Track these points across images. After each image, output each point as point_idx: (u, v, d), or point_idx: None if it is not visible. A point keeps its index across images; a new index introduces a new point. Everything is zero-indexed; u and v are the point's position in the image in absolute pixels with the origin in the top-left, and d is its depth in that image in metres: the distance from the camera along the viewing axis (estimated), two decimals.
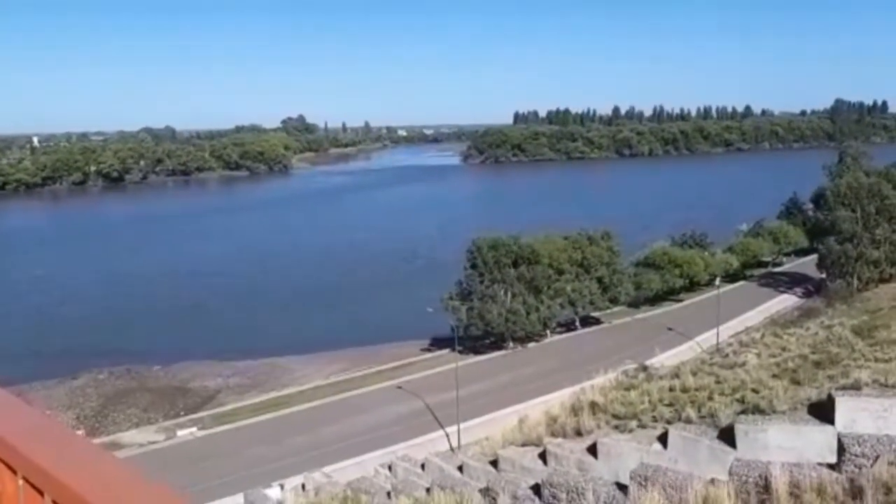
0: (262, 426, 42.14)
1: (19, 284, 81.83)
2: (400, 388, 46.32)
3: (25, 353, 55.02)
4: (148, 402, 48.80)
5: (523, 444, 22.76)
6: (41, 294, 76.92)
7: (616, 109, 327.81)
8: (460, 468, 21.66)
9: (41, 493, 1.60)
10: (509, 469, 19.87)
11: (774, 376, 23.49)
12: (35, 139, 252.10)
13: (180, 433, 41.39)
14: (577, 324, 59.63)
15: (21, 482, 1.68)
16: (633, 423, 20.66)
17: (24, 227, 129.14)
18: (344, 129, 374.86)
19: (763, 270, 75.75)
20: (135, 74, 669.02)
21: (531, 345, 55.60)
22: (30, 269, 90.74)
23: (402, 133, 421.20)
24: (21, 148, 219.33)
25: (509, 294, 55.63)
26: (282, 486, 29.17)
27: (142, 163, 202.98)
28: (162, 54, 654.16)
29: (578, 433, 21.86)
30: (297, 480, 29.88)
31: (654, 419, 20.78)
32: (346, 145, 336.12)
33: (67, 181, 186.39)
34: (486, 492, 16.30)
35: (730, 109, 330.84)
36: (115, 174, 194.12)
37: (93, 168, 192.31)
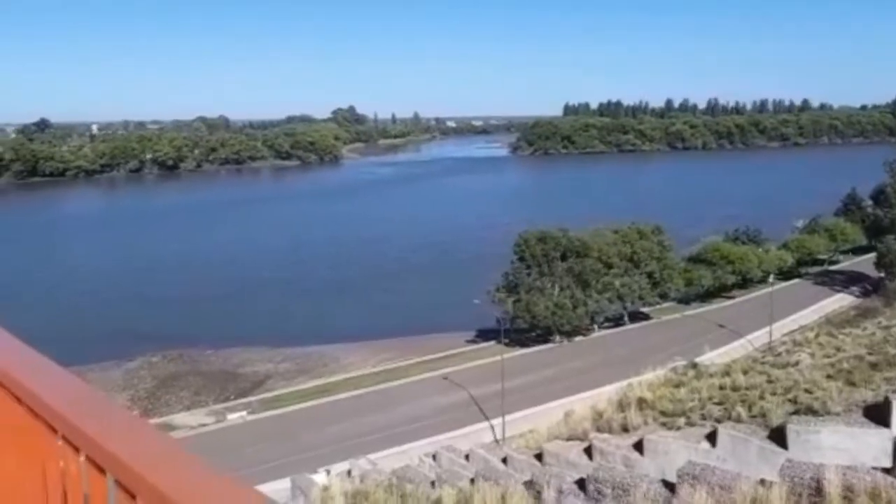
0: (309, 412, 42.79)
1: (79, 268, 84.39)
2: (445, 378, 46.51)
3: (83, 335, 56.74)
4: (199, 386, 49.93)
5: (568, 439, 22.63)
6: (99, 278, 79.18)
7: (669, 102, 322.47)
8: (504, 460, 21.63)
9: (103, 472, 1.65)
10: (554, 463, 19.78)
11: (829, 377, 22.90)
12: (94, 127, 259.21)
13: (230, 417, 42.28)
14: (626, 319, 59.01)
15: (83, 461, 1.74)
16: (682, 421, 20.37)
17: (84, 213, 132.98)
18: (393, 120, 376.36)
19: (819, 268, 73.80)
20: (190, 64, 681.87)
21: (578, 339, 55.24)
22: (89, 253, 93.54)
23: (451, 124, 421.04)
24: (81, 136, 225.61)
25: (557, 287, 55.30)
26: (328, 472, 29.54)
27: (196, 151, 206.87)
28: (217, 45, 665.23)
29: (625, 429, 21.63)
30: (342, 466, 30.24)
31: (703, 417, 20.44)
32: (395, 136, 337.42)
33: (124, 168, 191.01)
34: (530, 485, 16.26)
35: (787, 103, 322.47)
36: (170, 162, 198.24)
37: (149, 156, 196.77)
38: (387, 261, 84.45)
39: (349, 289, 72.65)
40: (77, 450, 1.81)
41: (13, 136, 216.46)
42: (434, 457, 27.52)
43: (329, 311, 65.21)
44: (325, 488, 21.42)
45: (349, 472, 28.42)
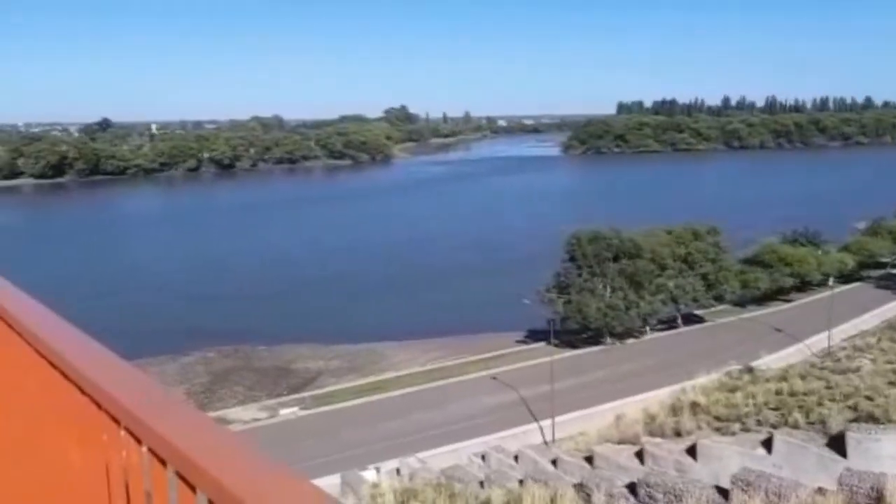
0: (360, 409, 43.14)
1: (137, 265, 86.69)
2: (494, 378, 46.40)
3: (141, 330, 58.25)
4: (253, 381, 50.82)
5: (619, 442, 22.40)
6: (157, 275, 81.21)
7: (726, 100, 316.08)
8: (554, 462, 21.51)
9: (164, 464, 1.69)
10: (604, 466, 19.58)
11: (891, 383, 22.18)
12: (153, 127, 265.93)
13: (283, 412, 42.91)
14: (679, 321, 58.02)
15: (145, 452, 1.77)
16: (736, 426, 19.98)
17: (143, 211, 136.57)
18: (444, 119, 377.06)
19: (881, 272, 71.38)
20: (246, 65, 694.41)
21: (630, 341, 54.52)
22: (147, 250, 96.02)
23: (503, 123, 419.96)
24: (140, 135, 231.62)
25: (608, 288, 54.68)
26: (377, 469, 29.79)
27: (251, 151, 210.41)
28: (272, 46, 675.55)
29: (677, 433, 21.32)
30: (392, 464, 30.47)
31: (759, 423, 20.02)
32: (446, 135, 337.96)
33: (182, 167, 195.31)
34: (580, 487, 16.12)
35: (848, 101, 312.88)
36: (226, 161, 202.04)
37: (206, 155, 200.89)
38: (436, 259, 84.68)
39: (399, 287, 73.06)
40: (139, 441, 1.84)
41: (76, 135, 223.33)
42: (483, 457, 27.54)
43: (379, 308, 65.69)
44: (375, 485, 21.60)
45: (398, 470, 28.61)
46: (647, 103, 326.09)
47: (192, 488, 1.55)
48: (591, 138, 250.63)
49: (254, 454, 1.46)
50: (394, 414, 41.33)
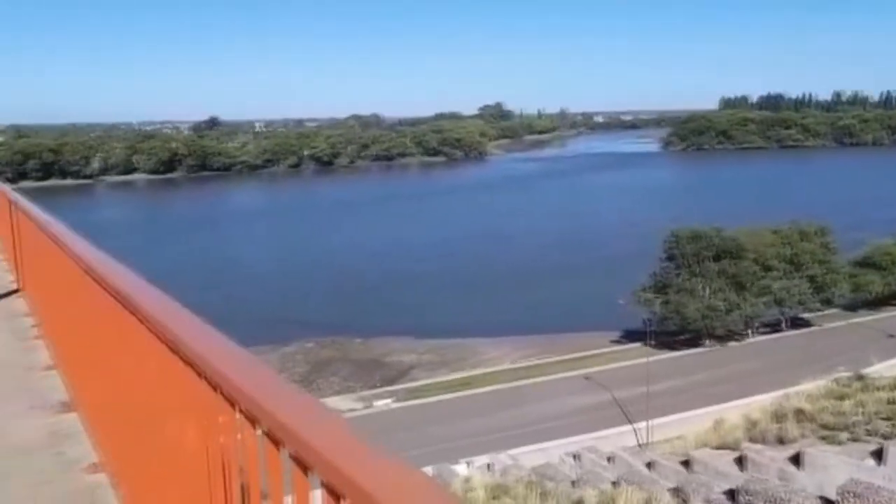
0: (451, 404, 43.49)
1: (241, 257, 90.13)
2: (587, 378, 45.84)
3: (244, 319, 60.47)
4: (349, 372, 52.04)
5: (718, 447, 21.74)
6: (260, 267, 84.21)
7: (837, 95, 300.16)
8: (649, 465, 21.07)
9: (278, 446, 1.78)
10: (702, 471, 19.04)
11: None
12: (258, 125, 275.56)
13: (377, 403, 43.76)
14: (784, 325, 55.67)
15: (261, 434, 1.87)
16: (844, 436, 19.05)
17: (247, 206, 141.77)
18: (539, 115, 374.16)
19: None
20: (346, 64, 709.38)
21: (731, 344, 52.73)
22: (250, 243, 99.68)
23: (599, 119, 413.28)
24: (245, 133, 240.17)
25: (709, 289, 53.05)
26: (469, 464, 29.95)
27: (350, 148, 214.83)
28: (370, 45, 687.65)
29: (780, 441, 20.51)
30: (483, 460, 30.55)
31: (869, 433, 19.02)
32: (541, 132, 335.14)
33: (284, 164, 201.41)
34: (676, 492, 15.76)
35: None
36: (325, 158, 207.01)
37: (306, 152, 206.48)
38: (528, 256, 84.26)
39: (491, 283, 73.09)
40: (255, 423, 1.95)
41: (187, 133, 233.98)
42: (575, 457, 27.24)
43: (471, 305, 65.93)
44: (467, 480, 21.75)
45: (489, 466, 28.67)
46: (753, 98, 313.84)
47: (306, 469, 1.63)
48: (692, 134, 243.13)
49: (366, 440, 1.52)
50: (485, 410, 41.45)
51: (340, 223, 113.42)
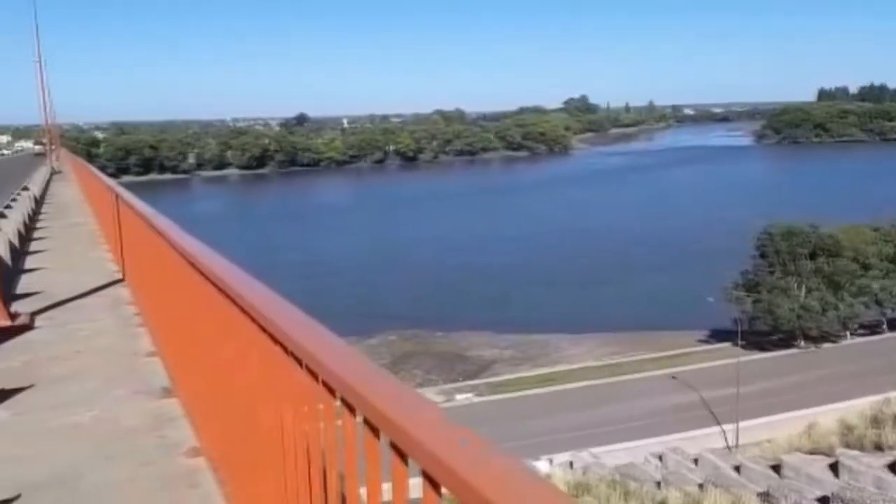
0: (532, 400, 43.28)
1: (326, 250, 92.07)
2: (674, 378, 44.82)
3: (330, 312, 61.67)
4: (431, 366, 52.49)
5: (811, 452, 20.91)
6: (344, 260, 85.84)
7: None
8: (737, 468, 20.45)
9: (377, 433, 1.83)
10: (793, 476, 18.36)
11: None
12: (345, 121, 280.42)
13: (458, 397, 43.99)
14: (884, 326, 52.97)
15: (360, 422, 1.93)
16: None
17: (334, 200, 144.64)
18: (627, 108, 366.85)
19: None
20: (430, 60, 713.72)
21: (826, 345, 50.54)
22: (336, 237, 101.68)
23: (689, 112, 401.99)
24: (333, 129, 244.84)
25: (803, 288, 50.99)
26: (550, 461, 29.79)
27: (433, 143, 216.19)
28: (454, 39, 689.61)
29: (878, 447, 19.57)
30: (564, 457, 30.35)
31: None
32: (628, 125, 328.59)
33: (370, 159, 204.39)
34: (765, 496, 15.27)
35: None
36: (409, 153, 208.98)
37: (391, 147, 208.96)
38: (612, 252, 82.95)
39: (573, 279, 72.31)
40: (353, 412, 2.01)
41: (277, 129, 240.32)
42: (660, 457, 26.73)
43: (553, 300, 65.42)
44: (548, 477, 21.65)
45: (571, 464, 28.46)
46: (853, 89, 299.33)
47: (405, 458, 1.68)
48: (786, 127, 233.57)
49: (466, 431, 1.55)
50: (566, 407, 41.07)
51: (423, 218, 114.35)
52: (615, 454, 31.31)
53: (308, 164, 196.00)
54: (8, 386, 6.35)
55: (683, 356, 49.84)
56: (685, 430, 36.54)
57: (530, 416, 39.56)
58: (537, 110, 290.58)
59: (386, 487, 1.83)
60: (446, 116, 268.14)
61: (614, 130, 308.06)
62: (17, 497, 4.32)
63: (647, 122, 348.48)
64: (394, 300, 67.05)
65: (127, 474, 4.64)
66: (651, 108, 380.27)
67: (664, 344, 52.26)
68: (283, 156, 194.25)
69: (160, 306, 6.84)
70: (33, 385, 6.40)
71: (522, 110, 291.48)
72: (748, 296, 52.09)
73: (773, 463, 20.45)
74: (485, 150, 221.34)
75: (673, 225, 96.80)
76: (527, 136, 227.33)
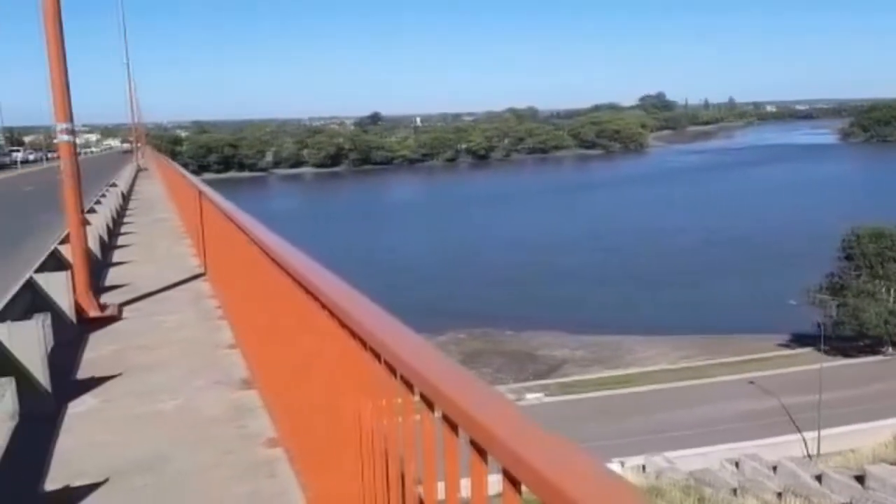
0: (604, 401, 42.69)
1: (396, 247, 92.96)
2: (751, 382, 43.54)
3: (400, 309, 62.08)
4: (500, 364, 52.37)
5: None
6: (414, 257, 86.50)
7: None
8: (818, 478, 19.74)
9: (455, 429, 1.84)
10: (878, 488, 17.60)
11: None
12: (417, 119, 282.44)
13: (528, 397, 43.76)
14: None
15: (438, 417, 1.94)
16: None
17: (405, 198, 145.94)
18: (705, 105, 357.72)
19: None
20: (504, 58, 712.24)
21: None
22: (406, 234, 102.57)
23: (771, 109, 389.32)
24: (406, 128, 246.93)
25: (892, 293, 48.77)
26: (622, 464, 29.34)
27: (505, 141, 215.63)
28: (528, 37, 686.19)
29: None
30: (636, 461, 29.86)
31: None
32: (706, 123, 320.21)
33: (441, 158, 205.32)
34: None
35: None
36: (481, 152, 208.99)
37: (463, 146, 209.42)
38: (688, 253, 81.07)
39: (646, 280, 70.99)
40: (432, 407, 2.02)
41: (351, 128, 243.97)
42: (736, 464, 26.03)
43: (625, 301, 64.37)
44: None
45: (643, 468, 27.98)
46: None
47: (484, 454, 1.68)
48: (875, 125, 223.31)
49: (545, 429, 1.55)
50: (639, 410, 40.37)
51: (494, 216, 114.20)
52: (689, 459, 30.60)
53: (380, 163, 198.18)
54: (98, 374, 6.65)
55: (762, 361, 48.33)
56: (762, 436, 35.40)
57: (601, 418, 39.05)
58: (612, 108, 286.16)
59: (464, 484, 1.84)
60: (519, 114, 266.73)
61: (692, 128, 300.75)
62: (106, 481, 4.51)
63: (726, 119, 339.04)
64: (464, 298, 67.19)
65: (208, 462, 4.80)
66: (731, 105, 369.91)
67: (741, 348, 50.79)
68: (356, 154, 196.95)
69: (240, 300, 7.04)
70: (121, 374, 6.69)
71: (597, 108, 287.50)
72: (833, 299, 50.15)
73: (856, 473, 19.67)
74: (557, 148, 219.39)
75: (752, 225, 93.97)
76: (601, 134, 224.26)
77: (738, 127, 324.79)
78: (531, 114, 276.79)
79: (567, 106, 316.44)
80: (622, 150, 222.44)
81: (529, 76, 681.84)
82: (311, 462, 3.98)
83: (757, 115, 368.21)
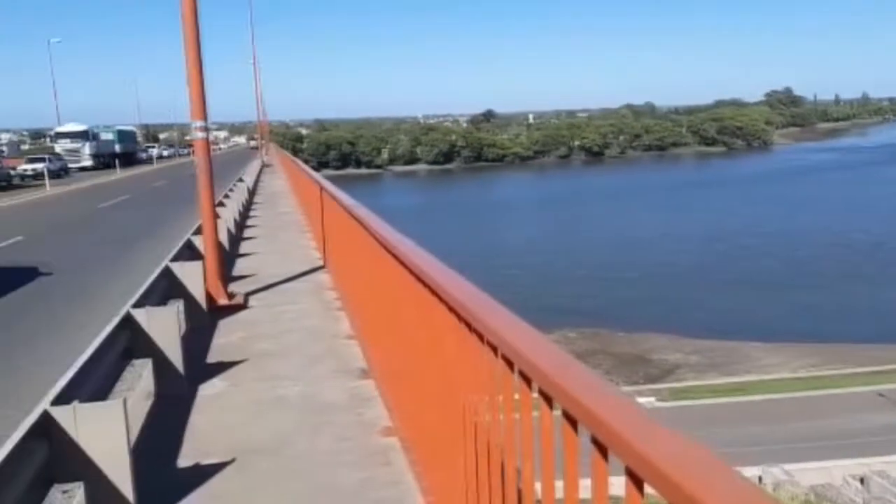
0: (719, 409, 41.13)
1: (505, 243, 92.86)
2: (882, 395, 40.84)
3: (511, 304, 62.11)
4: (610, 366, 51.40)
5: None
6: (525, 254, 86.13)
7: None
8: None
9: (575, 426, 1.85)
10: None
11: None
12: (531, 116, 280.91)
13: (640, 401, 42.71)
14: None
15: (558, 414, 1.96)
16: None
17: (518, 195, 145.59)
18: (836, 101, 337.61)
19: None
20: (621, 53, 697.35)
21: None
22: (514, 230, 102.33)
23: None
24: (519, 125, 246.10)
25: None
26: None
27: (621, 138, 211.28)
28: (645, 30, 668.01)
29: None
30: (753, 471, 28.66)
31: None
32: (838, 119, 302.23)
33: (554, 154, 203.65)
34: None
35: None
36: (595, 149, 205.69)
37: (576, 143, 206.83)
38: (811, 255, 76.81)
39: (769, 282, 67.73)
40: (551, 402, 2.04)
41: (465, 125, 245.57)
42: (862, 480, 24.55)
43: (745, 304, 61.66)
44: None
45: (760, 479, 26.83)
46: None
47: (605, 451, 1.68)
48: None
49: (668, 429, 1.54)
50: (757, 419, 38.64)
51: (605, 213, 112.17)
52: (811, 473, 29.08)
53: (493, 160, 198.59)
54: (226, 359, 7.04)
55: (893, 372, 45.25)
56: (891, 453, 33.19)
57: (716, 426, 37.62)
58: (735, 103, 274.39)
59: (583, 484, 1.84)
60: (635, 110, 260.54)
61: (822, 125, 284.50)
62: (233, 461, 4.78)
63: (859, 115, 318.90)
64: (575, 296, 66.31)
65: (327, 447, 5.00)
66: (865, 100, 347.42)
67: (872, 358, 47.66)
68: (469, 151, 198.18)
69: (358, 292, 7.26)
70: (247, 359, 7.05)
71: (719, 103, 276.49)
72: None
73: None
74: (676, 145, 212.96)
75: (887, 229, 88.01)
76: (722, 131, 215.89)
77: (872, 124, 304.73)
78: (649, 110, 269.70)
79: (687, 101, 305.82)
80: (745, 147, 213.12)
81: (647, 71, 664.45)
82: (426, 453, 4.06)
83: (893, 111, 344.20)
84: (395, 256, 4.42)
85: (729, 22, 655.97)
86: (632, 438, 1.49)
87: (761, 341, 53.75)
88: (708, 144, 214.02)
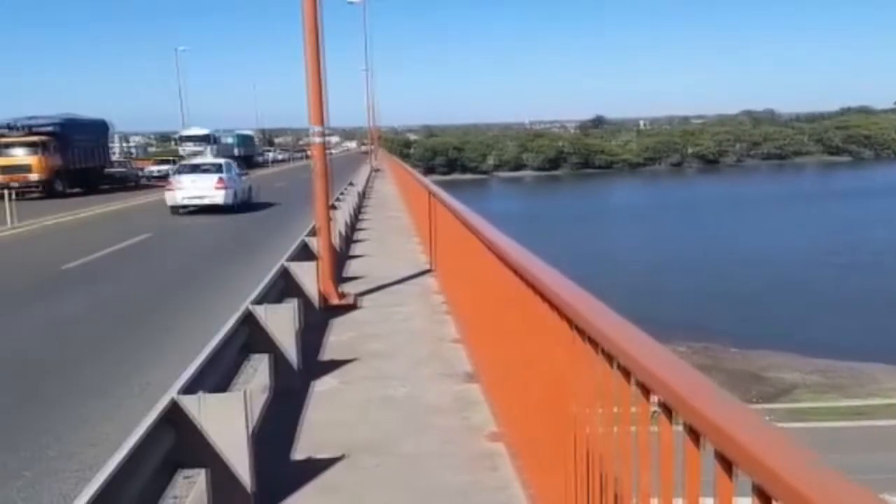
0: (839, 433, 38.73)
1: (608, 251, 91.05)
2: None
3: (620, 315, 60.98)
4: (721, 382, 49.16)
5: None
6: (633, 263, 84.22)
7: None
8: None
9: (697, 439, 1.79)
10: None
11: None
12: (642, 122, 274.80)
13: None
14: None
15: (679, 428, 1.90)
16: None
17: (625, 203, 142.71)
18: None
19: None
20: (739, 58, 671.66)
21: None
22: (620, 239, 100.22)
23: None
24: (629, 131, 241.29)
25: None
26: None
27: (738, 146, 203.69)
28: (764, 35, 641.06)
29: None
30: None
31: None
32: None
33: (666, 162, 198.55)
34: None
35: None
36: (710, 157, 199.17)
37: (689, 150, 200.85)
38: None
39: (891, 302, 63.49)
40: (671, 413, 1.98)
41: (573, 132, 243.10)
42: None
43: (870, 324, 57.81)
44: None
45: None
46: None
47: (731, 466, 1.62)
48: None
49: (798, 444, 1.47)
50: (879, 445, 36.22)
51: (719, 224, 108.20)
52: None
53: (601, 167, 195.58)
54: (338, 357, 7.24)
55: None
56: None
57: (836, 451, 35.43)
58: (863, 110, 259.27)
59: (708, 501, 1.78)
60: (754, 117, 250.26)
61: None
62: (343, 457, 4.90)
63: None
64: (684, 309, 64.12)
65: (434, 448, 5.04)
66: None
67: None
68: (577, 158, 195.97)
69: (466, 297, 7.31)
70: (357, 359, 7.22)
71: (845, 111, 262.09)
72: None
73: None
74: (797, 153, 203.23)
75: None
76: (849, 140, 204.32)
77: None
78: (769, 117, 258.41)
79: (810, 109, 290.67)
80: (874, 157, 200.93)
81: (768, 76, 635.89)
82: (534, 461, 4.03)
83: None
84: (504, 261, 4.42)
85: (856, 24, 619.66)
86: (761, 454, 1.43)
87: (887, 363, 50.46)
88: (833, 153, 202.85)
